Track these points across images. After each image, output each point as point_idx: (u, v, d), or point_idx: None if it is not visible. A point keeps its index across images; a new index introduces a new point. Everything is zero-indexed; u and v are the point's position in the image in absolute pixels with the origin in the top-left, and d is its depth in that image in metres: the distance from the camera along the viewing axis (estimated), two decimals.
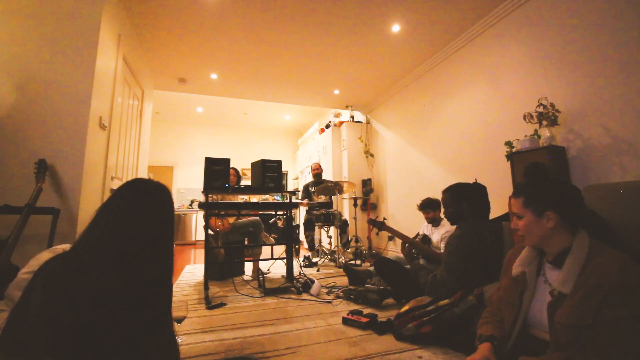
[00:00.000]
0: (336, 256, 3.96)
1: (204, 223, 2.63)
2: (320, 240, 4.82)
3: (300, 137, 8.33)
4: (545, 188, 1.07)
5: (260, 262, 3.42)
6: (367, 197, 5.22)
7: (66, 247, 0.84)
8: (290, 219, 3.00)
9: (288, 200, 2.93)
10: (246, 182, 7.57)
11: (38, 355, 0.66)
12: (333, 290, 2.63)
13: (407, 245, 2.22)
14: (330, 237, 4.52)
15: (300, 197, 4.71)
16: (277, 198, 5.63)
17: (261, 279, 2.75)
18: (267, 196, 4.06)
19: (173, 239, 0.92)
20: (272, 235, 4.72)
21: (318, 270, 3.66)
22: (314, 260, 4.09)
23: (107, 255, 0.75)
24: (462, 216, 1.94)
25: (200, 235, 6.86)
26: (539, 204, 1.04)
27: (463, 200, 1.93)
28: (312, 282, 2.65)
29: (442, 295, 1.74)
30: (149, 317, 0.76)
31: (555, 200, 1.03)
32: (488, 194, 1.99)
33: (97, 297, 0.70)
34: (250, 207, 3.07)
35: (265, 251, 3.60)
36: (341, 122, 5.75)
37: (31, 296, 0.71)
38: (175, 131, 7.74)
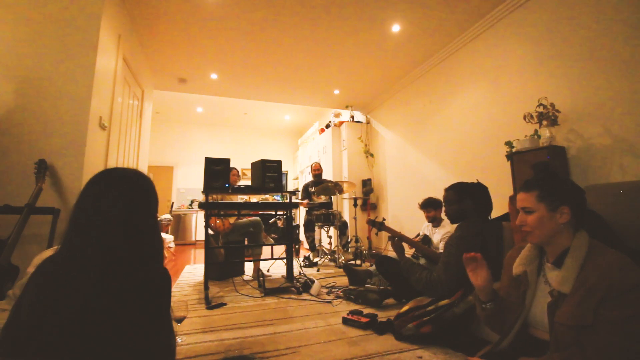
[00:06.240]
0: (336, 256, 3.96)
1: (204, 223, 2.63)
2: (320, 241, 4.81)
3: (300, 137, 8.33)
4: (561, 183, 1.06)
5: (261, 263, 3.42)
6: (367, 197, 5.21)
7: None
8: (290, 219, 3.00)
9: (288, 200, 2.93)
10: (246, 182, 7.58)
11: (30, 357, 0.66)
12: (333, 290, 2.63)
13: (396, 239, 2.22)
14: (330, 237, 4.52)
15: (300, 197, 4.71)
16: (277, 198, 5.63)
17: (261, 279, 2.75)
18: (267, 196, 4.06)
19: (158, 231, 0.88)
20: (272, 235, 4.72)
21: (318, 270, 3.66)
22: (314, 260, 4.09)
23: (92, 254, 0.74)
24: (465, 215, 1.92)
25: (200, 235, 6.86)
26: (554, 198, 1.03)
27: (467, 199, 1.91)
28: (312, 282, 2.65)
29: (436, 294, 1.74)
30: (140, 317, 0.75)
31: (570, 195, 1.02)
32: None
33: (86, 297, 0.70)
34: (250, 207, 3.07)
35: (266, 251, 3.60)
36: (341, 122, 5.75)
37: (23, 299, 0.72)
38: (175, 131, 7.73)
